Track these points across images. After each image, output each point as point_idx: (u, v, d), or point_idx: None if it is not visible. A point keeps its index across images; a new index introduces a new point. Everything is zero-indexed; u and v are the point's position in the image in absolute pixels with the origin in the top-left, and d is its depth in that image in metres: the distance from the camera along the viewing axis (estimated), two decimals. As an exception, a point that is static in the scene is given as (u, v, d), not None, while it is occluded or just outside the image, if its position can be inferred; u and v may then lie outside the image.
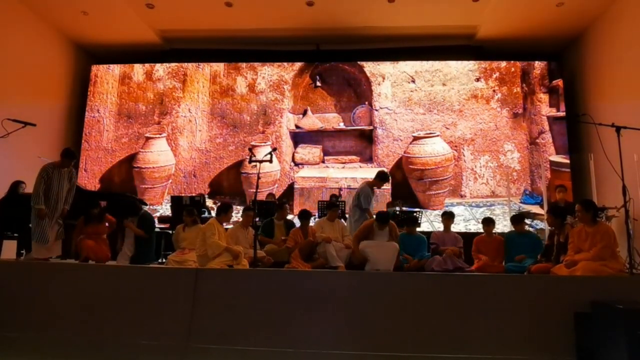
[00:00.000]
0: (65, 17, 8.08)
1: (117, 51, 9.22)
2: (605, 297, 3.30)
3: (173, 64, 9.15)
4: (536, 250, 4.94)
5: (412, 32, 8.52)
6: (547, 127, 8.37)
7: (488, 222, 5.33)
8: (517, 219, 5.28)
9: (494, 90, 8.64)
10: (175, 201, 6.50)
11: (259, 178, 4.98)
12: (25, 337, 3.72)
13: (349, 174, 8.55)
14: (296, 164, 8.73)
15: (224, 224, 5.06)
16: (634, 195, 4.30)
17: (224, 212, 5.05)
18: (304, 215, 5.39)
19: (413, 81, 8.80)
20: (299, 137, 8.88)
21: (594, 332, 3.22)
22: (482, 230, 5.48)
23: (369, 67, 8.90)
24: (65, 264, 4.42)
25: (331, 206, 5.64)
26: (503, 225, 7.66)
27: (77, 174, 5.28)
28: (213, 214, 7.73)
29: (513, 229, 5.36)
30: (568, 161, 8.11)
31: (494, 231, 5.41)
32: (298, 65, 9.03)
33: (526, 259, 4.85)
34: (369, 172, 8.51)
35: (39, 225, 4.79)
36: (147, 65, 9.18)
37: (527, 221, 7.76)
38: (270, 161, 4.94)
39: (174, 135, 8.90)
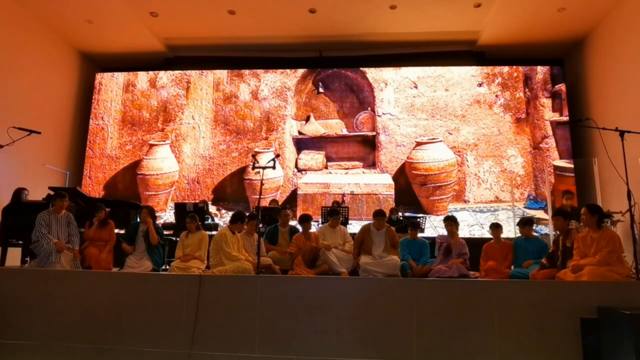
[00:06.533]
0: (70, 26, 8.16)
1: (122, 59, 9.30)
2: (612, 303, 3.28)
3: (177, 72, 9.21)
4: (543, 255, 4.87)
5: (414, 38, 8.56)
6: (550, 132, 8.35)
7: (495, 227, 5.26)
8: (525, 222, 5.16)
9: (496, 96, 8.64)
10: (179, 208, 6.52)
11: (262, 184, 4.97)
12: (29, 345, 3.73)
13: (352, 179, 8.54)
14: (299, 170, 8.73)
15: (237, 232, 5.02)
16: (638, 199, 4.27)
17: (241, 220, 5.01)
18: (304, 219, 5.39)
19: (415, 87, 8.81)
20: (302, 143, 8.89)
21: (600, 337, 3.20)
22: (486, 235, 5.40)
23: (372, 73, 8.92)
24: (68, 271, 4.42)
25: (333, 213, 5.61)
26: (507, 231, 7.60)
27: (74, 212, 5.25)
28: (217, 220, 7.77)
29: (520, 234, 5.27)
30: (572, 166, 8.07)
31: (502, 236, 5.27)
32: (301, 71, 9.07)
33: (533, 264, 4.79)
34: (372, 178, 8.52)
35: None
36: (151, 73, 9.24)
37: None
38: (274, 167, 4.93)
39: (178, 142, 8.94)
